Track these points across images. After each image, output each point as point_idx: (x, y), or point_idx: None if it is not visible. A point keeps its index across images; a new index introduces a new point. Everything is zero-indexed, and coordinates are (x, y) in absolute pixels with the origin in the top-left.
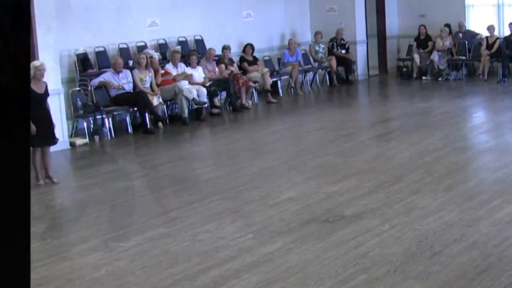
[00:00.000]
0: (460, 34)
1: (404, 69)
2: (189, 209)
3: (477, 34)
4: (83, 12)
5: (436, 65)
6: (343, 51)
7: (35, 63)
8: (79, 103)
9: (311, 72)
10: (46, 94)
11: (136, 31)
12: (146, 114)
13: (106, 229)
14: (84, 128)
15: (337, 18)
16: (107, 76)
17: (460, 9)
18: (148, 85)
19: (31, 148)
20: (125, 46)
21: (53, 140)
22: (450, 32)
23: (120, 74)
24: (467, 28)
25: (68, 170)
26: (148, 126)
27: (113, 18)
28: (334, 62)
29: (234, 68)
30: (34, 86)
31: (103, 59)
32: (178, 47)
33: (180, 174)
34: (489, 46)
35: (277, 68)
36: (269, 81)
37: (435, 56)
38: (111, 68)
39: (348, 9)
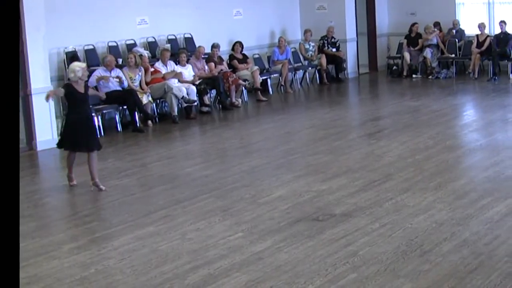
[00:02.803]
0: (454, 31)
1: (394, 67)
2: (178, 207)
3: (464, 38)
4: (72, 10)
5: (429, 61)
6: (334, 49)
7: (81, 65)
8: None
9: (301, 70)
10: (86, 93)
11: (125, 29)
12: (136, 113)
13: (95, 227)
14: None
15: (327, 16)
16: (99, 73)
17: (451, 7)
18: (137, 83)
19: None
20: (114, 44)
21: (97, 145)
22: (441, 30)
23: (112, 72)
24: (459, 26)
25: (57, 169)
26: (138, 125)
27: (102, 16)
28: (324, 60)
29: (224, 66)
30: (76, 86)
31: (92, 57)
32: (168, 45)
33: (170, 172)
34: (479, 44)
35: (267, 66)
36: (259, 79)
37: (427, 53)
38: (103, 66)
39: (338, 7)
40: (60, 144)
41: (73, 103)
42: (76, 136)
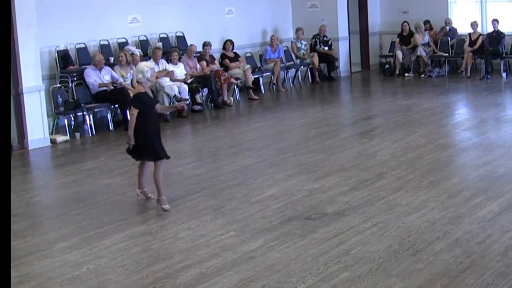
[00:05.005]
0: (448, 28)
1: (387, 66)
2: (170, 206)
3: (457, 36)
4: (63, 9)
5: (424, 59)
6: (326, 48)
7: (149, 65)
8: (60, 100)
9: (293, 69)
10: (155, 98)
11: (117, 27)
12: (127, 111)
13: (87, 226)
14: (65, 125)
15: (319, 15)
16: (89, 73)
17: (443, 5)
18: (129, 81)
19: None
20: (106, 42)
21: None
22: (431, 28)
23: (102, 71)
24: (452, 25)
25: (49, 168)
26: None
27: (94, 15)
28: (316, 59)
29: (216, 65)
30: (147, 90)
31: (84, 56)
32: (160, 44)
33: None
34: (472, 43)
35: (259, 64)
36: (251, 78)
37: (421, 51)
38: (92, 64)
39: (330, 5)
40: (138, 156)
41: (148, 111)
42: (154, 144)
